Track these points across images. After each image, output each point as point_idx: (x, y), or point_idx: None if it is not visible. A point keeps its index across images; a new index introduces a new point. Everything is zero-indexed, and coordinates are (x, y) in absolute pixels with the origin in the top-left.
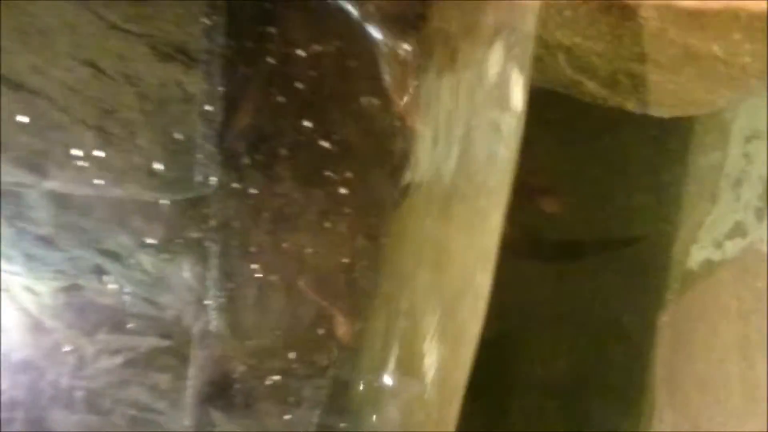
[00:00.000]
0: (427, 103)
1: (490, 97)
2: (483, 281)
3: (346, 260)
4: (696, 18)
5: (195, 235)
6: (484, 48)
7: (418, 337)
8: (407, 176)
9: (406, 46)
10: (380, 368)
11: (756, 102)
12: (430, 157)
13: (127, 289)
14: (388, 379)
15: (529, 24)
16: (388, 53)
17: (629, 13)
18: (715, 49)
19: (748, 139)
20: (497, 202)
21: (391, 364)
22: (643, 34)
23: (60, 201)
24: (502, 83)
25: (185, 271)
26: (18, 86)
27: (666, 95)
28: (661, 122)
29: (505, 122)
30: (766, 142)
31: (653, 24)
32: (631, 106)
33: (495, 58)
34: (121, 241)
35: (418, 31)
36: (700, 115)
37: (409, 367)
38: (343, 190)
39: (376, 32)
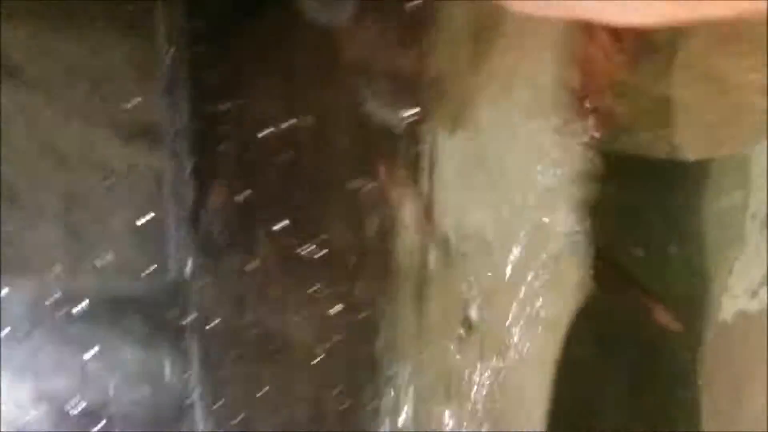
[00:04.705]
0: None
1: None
2: None
3: (338, 338)
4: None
5: (174, 328)
6: None
7: None
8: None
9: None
10: None
11: None
12: None
13: (110, 386)
14: None
15: None
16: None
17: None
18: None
19: None
20: None
21: None
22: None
23: (31, 299)
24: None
25: (166, 368)
26: None
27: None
28: (673, 166)
29: None
30: None
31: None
32: (659, 149)
33: None
34: (100, 336)
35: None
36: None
37: None
38: (329, 265)
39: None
